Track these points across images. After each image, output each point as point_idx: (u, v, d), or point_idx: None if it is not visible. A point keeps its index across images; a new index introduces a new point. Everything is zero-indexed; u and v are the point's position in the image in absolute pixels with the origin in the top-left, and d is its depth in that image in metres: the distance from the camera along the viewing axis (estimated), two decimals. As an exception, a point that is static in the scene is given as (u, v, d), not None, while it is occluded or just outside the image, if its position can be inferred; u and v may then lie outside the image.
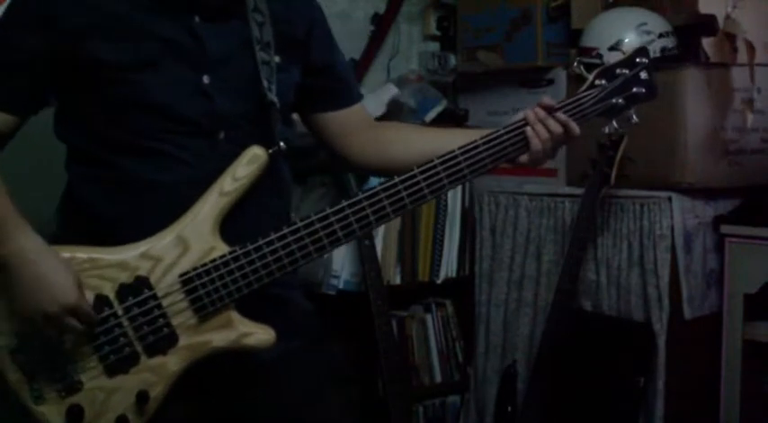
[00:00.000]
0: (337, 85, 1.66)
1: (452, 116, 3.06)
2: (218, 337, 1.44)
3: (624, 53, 1.64)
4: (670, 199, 2.48)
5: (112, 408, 1.42)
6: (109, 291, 1.42)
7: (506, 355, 2.88)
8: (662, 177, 2.50)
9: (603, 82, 1.57)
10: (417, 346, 2.97)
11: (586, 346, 2.57)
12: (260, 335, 1.45)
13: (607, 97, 1.56)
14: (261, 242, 1.43)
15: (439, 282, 2.96)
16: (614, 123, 1.59)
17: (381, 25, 3.14)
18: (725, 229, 2.54)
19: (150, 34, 1.42)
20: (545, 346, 2.48)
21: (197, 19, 1.44)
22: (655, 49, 2.49)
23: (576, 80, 2.77)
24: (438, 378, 3.00)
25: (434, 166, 1.47)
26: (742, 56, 2.48)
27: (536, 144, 1.51)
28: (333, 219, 1.44)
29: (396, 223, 2.84)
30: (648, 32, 2.50)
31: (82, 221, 1.48)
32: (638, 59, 1.59)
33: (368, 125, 1.70)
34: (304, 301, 1.64)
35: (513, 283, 2.87)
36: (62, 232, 1.49)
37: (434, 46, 3.32)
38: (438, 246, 2.94)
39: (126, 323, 1.42)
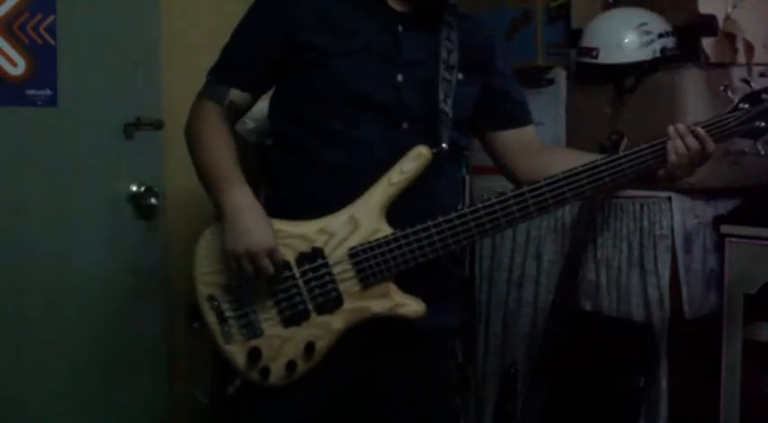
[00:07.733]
0: (510, 107, 1.90)
1: (452, 116, 3.05)
2: (376, 305, 1.69)
3: None
4: (670, 199, 2.47)
5: (285, 353, 1.68)
6: (290, 257, 1.68)
7: (506, 356, 2.88)
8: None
9: (747, 106, 1.70)
10: (417, 346, 2.96)
11: (586, 347, 2.57)
12: (412, 306, 1.69)
13: (750, 120, 1.70)
14: (418, 227, 1.67)
15: (439, 282, 2.95)
16: (758, 145, 1.71)
17: (381, 25, 3.13)
18: (725, 229, 2.53)
19: (360, 32, 1.71)
20: (545, 346, 2.48)
21: (400, 28, 1.73)
22: (655, 49, 2.49)
23: (574, 77, 2.77)
24: (438, 378, 2.99)
25: (578, 173, 1.68)
26: (742, 56, 2.48)
27: (672, 158, 1.68)
28: (482, 212, 1.67)
29: (396, 223, 2.83)
30: (648, 32, 2.50)
31: (280, 197, 1.76)
32: None
33: (534, 147, 1.92)
34: (453, 265, 1.85)
35: (513, 283, 2.87)
36: (265, 205, 1.72)
37: (434, 46, 3.31)
38: (438, 246, 2.93)
39: (302, 285, 1.68)
